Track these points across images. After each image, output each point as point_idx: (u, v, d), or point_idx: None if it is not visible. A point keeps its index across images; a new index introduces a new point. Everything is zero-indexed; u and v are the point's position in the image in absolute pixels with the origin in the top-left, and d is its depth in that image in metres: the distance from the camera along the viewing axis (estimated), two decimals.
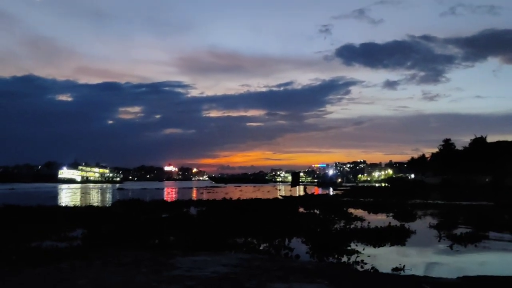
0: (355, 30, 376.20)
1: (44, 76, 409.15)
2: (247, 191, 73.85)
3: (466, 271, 9.59)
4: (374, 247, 13.70)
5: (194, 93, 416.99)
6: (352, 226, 18.32)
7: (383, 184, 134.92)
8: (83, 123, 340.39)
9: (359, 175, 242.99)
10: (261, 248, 12.58)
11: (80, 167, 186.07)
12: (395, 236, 15.25)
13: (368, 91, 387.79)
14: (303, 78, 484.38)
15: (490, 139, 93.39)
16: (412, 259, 11.76)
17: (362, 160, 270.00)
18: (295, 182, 52.05)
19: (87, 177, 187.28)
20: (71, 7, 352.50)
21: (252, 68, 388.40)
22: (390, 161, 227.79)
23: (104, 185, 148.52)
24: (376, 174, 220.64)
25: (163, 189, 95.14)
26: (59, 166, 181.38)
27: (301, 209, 27.75)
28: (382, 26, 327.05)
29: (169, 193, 70.10)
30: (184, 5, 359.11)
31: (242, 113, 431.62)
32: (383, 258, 11.82)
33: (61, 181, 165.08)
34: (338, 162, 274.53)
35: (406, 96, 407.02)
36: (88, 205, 31.32)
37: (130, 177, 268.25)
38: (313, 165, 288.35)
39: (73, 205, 29.82)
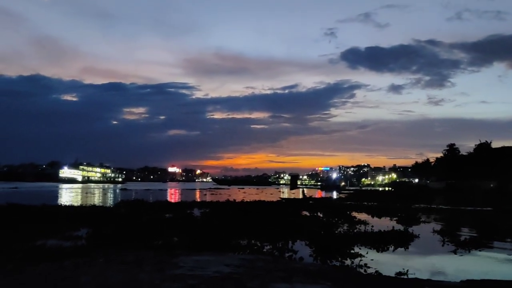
0: (360, 34, 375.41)
1: (50, 75, 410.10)
2: (251, 193, 73.76)
3: (470, 276, 9.54)
4: (378, 251, 13.66)
5: (198, 94, 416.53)
6: (355, 229, 18.28)
7: (386, 188, 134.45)
8: (88, 123, 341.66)
9: (363, 179, 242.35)
10: (264, 250, 12.57)
11: (81, 167, 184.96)
12: (399, 240, 15.20)
13: (373, 95, 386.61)
14: (308, 81, 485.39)
15: (495, 144, 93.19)
16: (416, 263, 11.71)
17: (366, 164, 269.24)
18: (293, 185, 52.40)
19: (88, 177, 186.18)
20: (77, 7, 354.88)
21: (257, 71, 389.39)
22: (394, 165, 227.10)
23: (106, 185, 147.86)
24: (380, 178, 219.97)
25: (166, 190, 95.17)
26: (62, 166, 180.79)
27: (304, 212, 27.71)
28: (388, 30, 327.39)
29: (173, 194, 70.14)
30: (189, 7, 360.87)
31: (247, 115, 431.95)
32: (386, 262, 11.78)
33: (62, 180, 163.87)
34: (342, 166, 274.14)
35: (411, 100, 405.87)
36: (92, 205, 31.36)
37: (134, 178, 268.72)
38: (316, 168, 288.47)
39: (77, 205, 29.89)
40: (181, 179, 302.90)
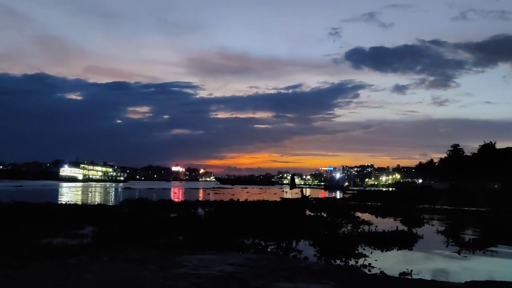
0: (365, 34, 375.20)
1: (54, 74, 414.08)
2: (254, 193, 73.75)
3: (474, 277, 9.52)
4: (382, 251, 13.63)
5: (202, 94, 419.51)
6: (359, 229, 18.25)
7: (390, 189, 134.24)
8: (92, 122, 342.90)
9: (367, 179, 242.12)
10: (268, 249, 12.58)
11: (82, 166, 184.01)
12: (403, 241, 15.16)
13: (377, 95, 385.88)
14: (312, 81, 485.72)
15: (499, 145, 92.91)
16: (420, 263, 11.69)
17: (369, 164, 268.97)
18: (292, 185, 52.60)
19: (89, 176, 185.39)
20: (81, 6, 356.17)
21: (261, 70, 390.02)
22: (398, 165, 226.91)
23: (108, 184, 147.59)
24: (383, 178, 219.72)
25: (170, 189, 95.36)
26: (63, 164, 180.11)
27: (308, 212, 27.70)
28: (392, 30, 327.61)
29: (176, 193, 70.25)
30: (193, 6, 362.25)
31: (250, 115, 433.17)
32: (390, 262, 11.75)
33: (62, 179, 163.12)
34: (346, 166, 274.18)
35: (415, 100, 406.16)
36: (96, 203, 31.46)
37: (138, 177, 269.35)
38: (320, 168, 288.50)
39: (81, 204, 30.00)
40: (184, 178, 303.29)
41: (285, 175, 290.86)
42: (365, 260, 11.51)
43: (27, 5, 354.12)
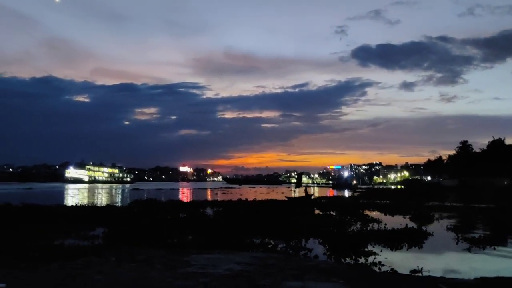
0: (371, 31, 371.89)
1: (62, 77, 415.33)
2: (262, 192, 73.75)
3: (484, 273, 9.42)
4: (391, 249, 13.56)
5: (209, 94, 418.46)
6: (368, 227, 18.18)
7: (399, 186, 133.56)
8: (100, 124, 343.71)
9: (375, 177, 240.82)
10: (278, 248, 12.56)
11: (87, 167, 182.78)
12: (412, 238, 15.07)
13: (384, 92, 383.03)
14: (318, 79, 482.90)
15: (509, 141, 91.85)
16: (430, 261, 11.60)
17: (377, 162, 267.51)
18: (298, 184, 52.15)
19: (94, 177, 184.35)
20: (88, 9, 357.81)
21: (267, 69, 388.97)
22: (406, 163, 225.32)
23: (114, 185, 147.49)
24: (392, 176, 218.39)
25: (178, 189, 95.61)
26: (68, 166, 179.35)
27: (317, 211, 27.65)
28: (398, 27, 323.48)
29: (184, 194, 70.44)
30: (199, 6, 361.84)
31: (257, 114, 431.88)
32: (400, 260, 11.68)
33: (67, 180, 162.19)
34: (353, 164, 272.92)
35: (423, 97, 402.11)
36: (106, 205, 31.64)
37: (146, 178, 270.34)
38: (328, 167, 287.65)
39: (91, 205, 30.17)
40: (192, 178, 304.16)
41: (293, 174, 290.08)
42: (375, 258, 11.46)
43: (35, 9, 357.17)
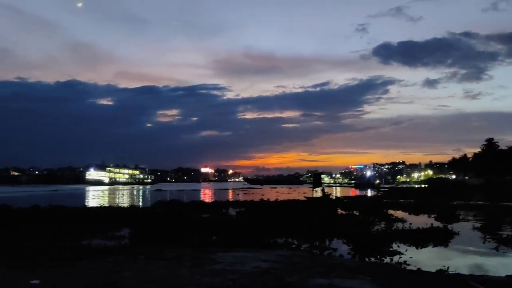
0: (392, 28, 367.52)
1: (85, 81, 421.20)
2: (283, 193, 73.72)
3: None
4: (417, 248, 13.47)
5: (229, 95, 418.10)
6: (393, 227, 18.05)
7: (422, 185, 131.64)
8: (123, 126, 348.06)
9: (398, 176, 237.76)
10: (302, 248, 12.60)
11: (108, 169, 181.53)
12: (438, 237, 14.94)
13: (407, 90, 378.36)
14: (340, 78, 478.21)
15: None
16: (457, 260, 11.49)
17: (400, 161, 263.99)
18: (316, 184, 50.96)
19: (115, 179, 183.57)
20: (109, 13, 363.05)
21: (287, 69, 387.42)
22: (430, 161, 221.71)
23: (135, 186, 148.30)
24: (415, 175, 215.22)
25: (199, 190, 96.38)
26: (89, 168, 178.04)
27: (340, 211, 27.55)
28: (421, 24, 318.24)
29: (206, 194, 70.96)
30: (217, 7, 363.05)
31: (278, 115, 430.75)
32: (426, 259, 11.61)
33: (88, 182, 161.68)
34: (376, 163, 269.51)
35: (447, 94, 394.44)
36: (130, 206, 32.18)
37: (168, 179, 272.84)
38: (350, 166, 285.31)
39: (116, 206, 30.71)
40: (213, 179, 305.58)
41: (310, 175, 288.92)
42: (400, 257, 11.40)
43: (57, 14, 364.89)
